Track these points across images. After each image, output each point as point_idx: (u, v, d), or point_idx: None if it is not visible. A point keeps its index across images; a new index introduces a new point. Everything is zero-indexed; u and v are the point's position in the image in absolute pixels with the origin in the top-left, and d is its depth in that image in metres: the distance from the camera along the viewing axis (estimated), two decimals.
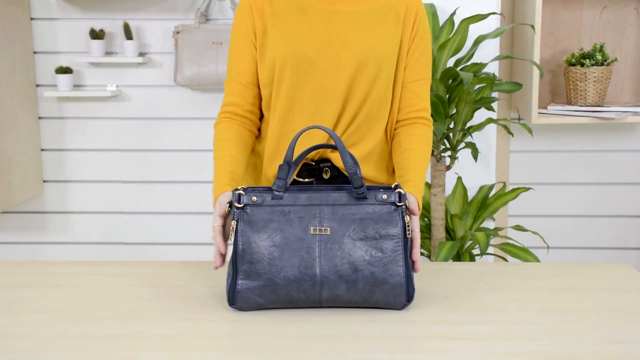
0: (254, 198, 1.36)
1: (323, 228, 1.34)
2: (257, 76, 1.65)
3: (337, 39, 1.57)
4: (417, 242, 1.40)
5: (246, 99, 1.65)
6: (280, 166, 1.37)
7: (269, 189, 1.38)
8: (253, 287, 1.34)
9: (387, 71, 1.60)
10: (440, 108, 2.44)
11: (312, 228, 1.34)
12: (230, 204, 1.38)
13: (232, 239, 1.35)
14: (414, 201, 1.45)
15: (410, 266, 1.36)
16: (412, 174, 1.56)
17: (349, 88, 1.58)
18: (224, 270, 1.58)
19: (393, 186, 1.39)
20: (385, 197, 1.36)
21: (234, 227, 1.35)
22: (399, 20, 1.61)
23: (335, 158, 1.62)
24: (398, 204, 1.36)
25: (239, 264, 1.34)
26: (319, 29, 1.58)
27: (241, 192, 1.37)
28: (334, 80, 1.57)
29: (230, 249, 1.39)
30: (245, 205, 1.36)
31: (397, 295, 1.34)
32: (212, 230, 1.42)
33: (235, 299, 1.35)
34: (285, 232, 1.34)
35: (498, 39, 2.84)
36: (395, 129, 1.68)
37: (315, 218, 1.35)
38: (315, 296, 1.34)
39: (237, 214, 1.36)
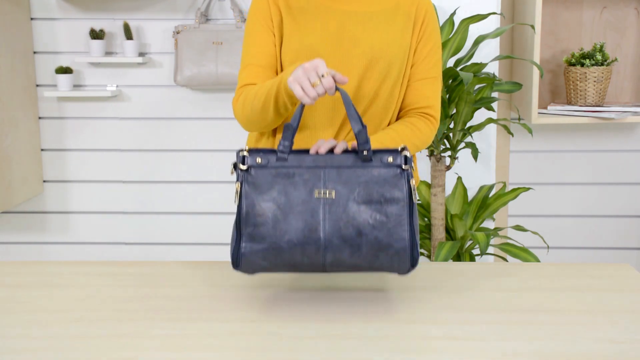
0: (258, 159, 1.34)
1: (327, 191, 1.31)
2: (275, 61, 1.62)
3: (348, 38, 1.59)
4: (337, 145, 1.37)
5: (264, 81, 1.61)
6: (285, 125, 1.34)
7: (273, 151, 1.35)
8: (257, 250, 1.32)
9: (396, 70, 1.61)
10: (440, 108, 2.44)
11: (316, 191, 1.31)
12: (235, 166, 1.36)
13: (236, 201, 1.33)
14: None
15: (415, 230, 1.33)
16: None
17: (358, 86, 1.59)
18: (224, 270, 1.58)
19: (400, 149, 1.36)
20: (391, 159, 1.34)
21: (238, 189, 1.33)
22: (408, 20, 1.63)
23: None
24: (404, 167, 1.34)
25: (243, 226, 1.33)
26: (331, 28, 1.59)
27: (245, 153, 1.35)
28: None
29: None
30: (249, 167, 1.34)
31: (402, 260, 1.32)
32: (322, 76, 1.35)
33: (240, 262, 1.33)
34: (289, 195, 1.32)
35: (498, 39, 2.84)
36: None
37: (320, 180, 1.32)
38: (319, 260, 1.32)
39: (241, 176, 1.34)
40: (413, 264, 1.34)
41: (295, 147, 1.61)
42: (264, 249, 1.31)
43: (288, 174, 1.33)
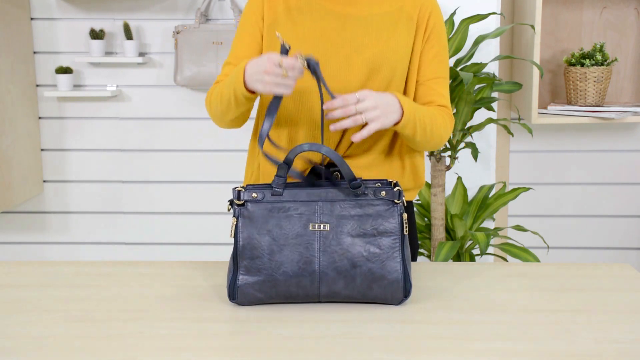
0: (254, 194, 1.38)
1: (322, 224, 1.35)
2: None
3: (348, 43, 1.56)
4: (371, 125, 1.41)
5: None
6: (279, 165, 1.38)
7: (268, 186, 1.39)
8: (253, 282, 1.36)
9: (399, 77, 1.59)
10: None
11: (311, 225, 1.35)
12: (231, 202, 1.39)
13: (233, 235, 1.37)
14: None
15: (406, 262, 1.37)
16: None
17: None
18: (224, 270, 1.58)
19: (393, 183, 1.41)
20: (384, 193, 1.37)
21: (235, 223, 1.37)
22: (411, 23, 1.60)
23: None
24: (396, 201, 1.38)
25: (240, 259, 1.36)
26: (330, 31, 1.57)
27: (241, 189, 1.38)
28: (343, 84, 1.55)
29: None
30: (245, 201, 1.37)
31: (395, 291, 1.36)
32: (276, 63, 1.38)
33: (236, 294, 1.37)
34: (284, 229, 1.36)
35: (498, 39, 2.84)
36: None
37: (315, 214, 1.36)
38: (314, 292, 1.36)
39: (237, 211, 1.37)
40: (406, 294, 1.38)
41: (299, 159, 1.60)
42: (260, 281, 1.36)
43: (283, 208, 1.37)
